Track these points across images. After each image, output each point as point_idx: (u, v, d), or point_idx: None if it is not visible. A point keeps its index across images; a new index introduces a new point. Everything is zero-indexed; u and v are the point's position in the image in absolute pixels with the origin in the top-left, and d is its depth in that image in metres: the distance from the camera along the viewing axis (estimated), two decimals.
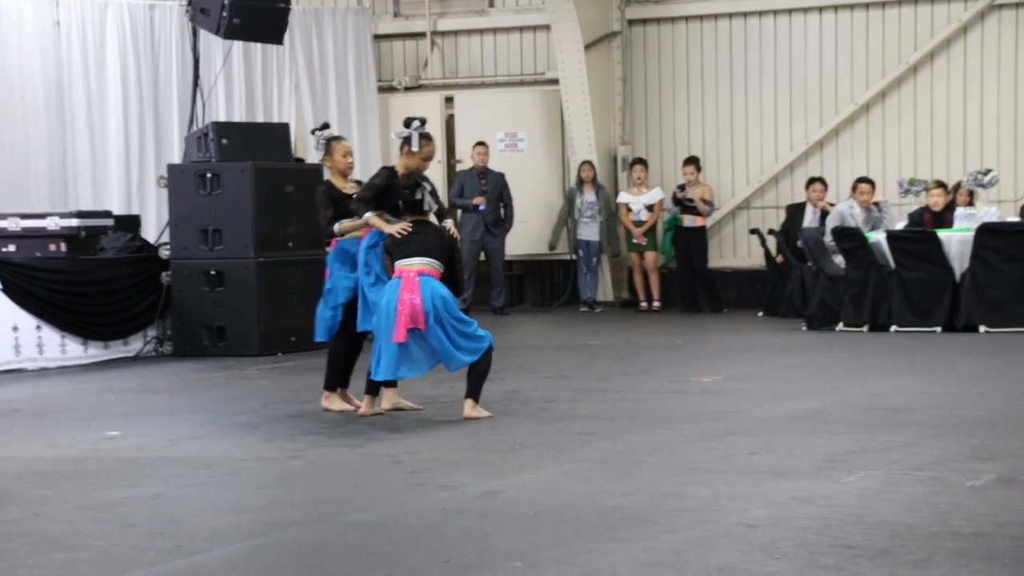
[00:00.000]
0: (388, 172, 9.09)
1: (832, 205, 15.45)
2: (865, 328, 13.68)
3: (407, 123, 9.15)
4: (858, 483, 6.54)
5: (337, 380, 9.31)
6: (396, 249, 8.71)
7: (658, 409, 9.04)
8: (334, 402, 9.28)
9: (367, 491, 6.70)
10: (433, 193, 8.85)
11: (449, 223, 8.90)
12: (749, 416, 8.63)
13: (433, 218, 8.85)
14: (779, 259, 15.95)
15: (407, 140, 9.09)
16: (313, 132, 9.86)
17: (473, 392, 8.81)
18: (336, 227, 9.15)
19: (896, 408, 8.77)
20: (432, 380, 9.60)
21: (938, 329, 13.36)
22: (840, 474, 6.75)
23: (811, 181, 16.07)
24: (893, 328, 13.53)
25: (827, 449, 7.40)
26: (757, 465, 7.04)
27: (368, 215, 8.81)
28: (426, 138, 9.13)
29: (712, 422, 8.43)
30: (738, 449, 7.50)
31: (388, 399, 9.11)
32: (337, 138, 9.65)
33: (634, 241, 17.12)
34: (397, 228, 8.69)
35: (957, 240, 13.52)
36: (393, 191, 8.89)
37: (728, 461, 7.17)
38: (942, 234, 13.63)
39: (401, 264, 8.65)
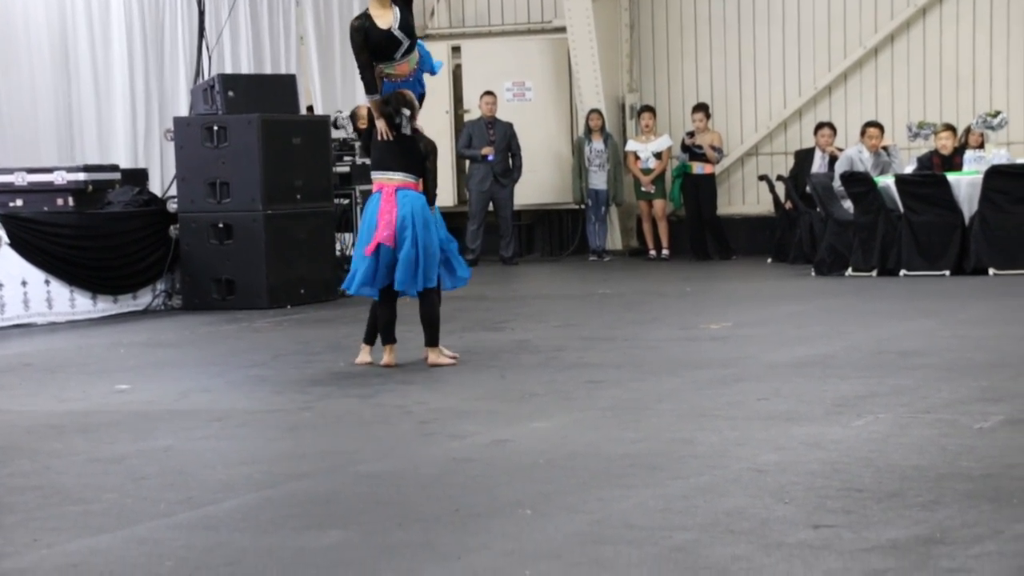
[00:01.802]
0: (359, 25, 8.89)
1: (841, 150, 15.40)
2: (874, 273, 13.66)
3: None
4: (867, 427, 6.55)
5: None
6: (376, 159, 8.87)
7: (667, 356, 9.05)
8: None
9: (377, 441, 6.72)
10: (412, 116, 8.82)
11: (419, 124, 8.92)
12: (758, 362, 8.63)
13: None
14: (788, 205, 15.91)
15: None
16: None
17: (431, 339, 8.90)
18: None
19: (905, 352, 8.77)
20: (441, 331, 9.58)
21: (947, 272, 13.34)
22: (849, 418, 6.75)
23: (819, 126, 16.01)
24: (902, 272, 13.51)
25: (836, 394, 7.40)
26: (766, 411, 7.05)
27: (371, 100, 8.83)
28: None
29: (721, 368, 8.43)
30: (747, 395, 7.50)
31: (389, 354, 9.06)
32: None
33: (642, 189, 17.08)
34: (382, 129, 8.74)
35: (966, 183, 13.47)
36: (371, 37, 8.82)
37: (737, 407, 7.18)
38: (951, 177, 13.58)
39: (379, 177, 8.83)
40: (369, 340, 9.13)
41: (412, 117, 8.83)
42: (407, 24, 8.92)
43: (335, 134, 14.24)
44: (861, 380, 7.79)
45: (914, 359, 8.48)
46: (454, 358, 9.03)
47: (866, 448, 6.09)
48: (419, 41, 9.17)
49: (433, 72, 9.27)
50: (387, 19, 8.88)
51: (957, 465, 5.71)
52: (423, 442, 6.64)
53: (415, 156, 8.81)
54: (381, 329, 8.99)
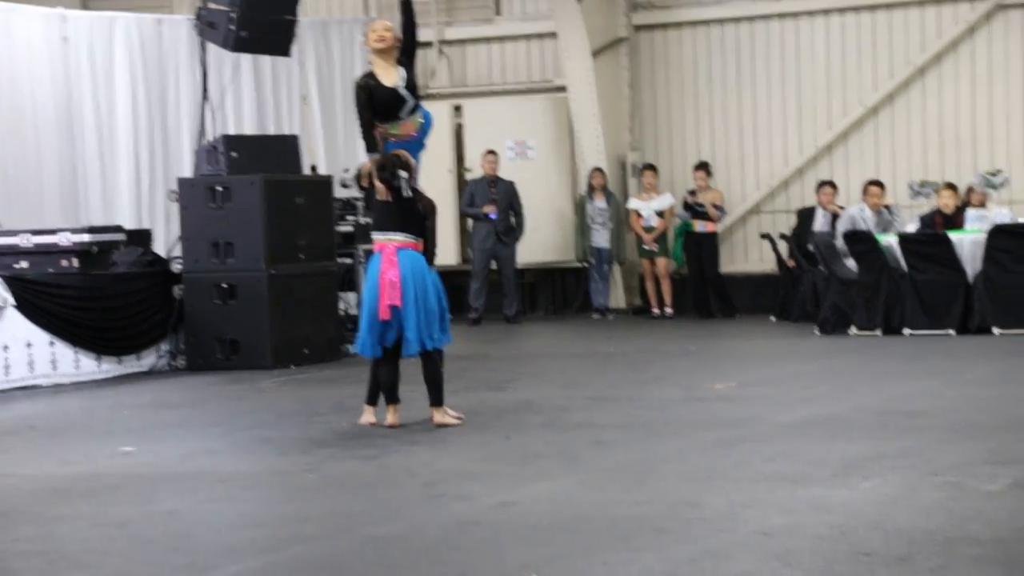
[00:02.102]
0: (364, 83, 8.95)
1: (842, 208, 15.44)
2: (878, 332, 13.65)
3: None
4: (874, 489, 6.52)
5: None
6: (377, 219, 8.93)
7: (672, 416, 9.03)
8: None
9: (382, 504, 6.69)
10: (410, 177, 8.84)
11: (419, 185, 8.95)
12: (763, 422, 8.61)
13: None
14: (791, 263, 15.93)
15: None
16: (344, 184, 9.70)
17: (435, 399, 8.91)
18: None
19: (911, 412, 8.75)
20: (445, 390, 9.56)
21: (952, 332, 13.33)
22: (856, 480, 6.73)
23: (821, 184, 16.05)
24: (906, 331, 13.51)
25: (843, 455, 7.38)
26: (773, 472, 7.02)
27: (372, 160, 8.87)
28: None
29: (726, 429, 8.41)
30: (753, 456, 7.48)
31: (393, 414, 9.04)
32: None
33: (645, 247, 17.11)
34: (380, 191, 8.77)
35: (969, 242, 13.49)
36: (376, 96, 8.86)
37: (743, 468, 7.15)
38: (954, 236, 13.61)
39: (379, 237, 8.87)
40: (372, 401, 9.12)
41: (411, 178, 8.86)
42: (412, 84, 8.97)
43: (340, 193, 14.29)
44: (867, 441, 7.77)
45: (920, 420, 8.47)
46: (459, 418, 9.02)
47: (873, 511, 6.06)
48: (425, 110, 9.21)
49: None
50: (392, 78, 8.94)
51: (966, 529, 5.69)
52: (429, 504, 6.62)
53: (414, 216, 8.84)
54: (384, 389, 8.99)
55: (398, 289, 8.72)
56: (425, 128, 9.12)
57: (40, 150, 15.15)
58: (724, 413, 9.06)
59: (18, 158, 14.96)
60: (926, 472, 6.88)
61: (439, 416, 8.91)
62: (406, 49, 9.04)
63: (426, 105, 9.35)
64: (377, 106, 8.93)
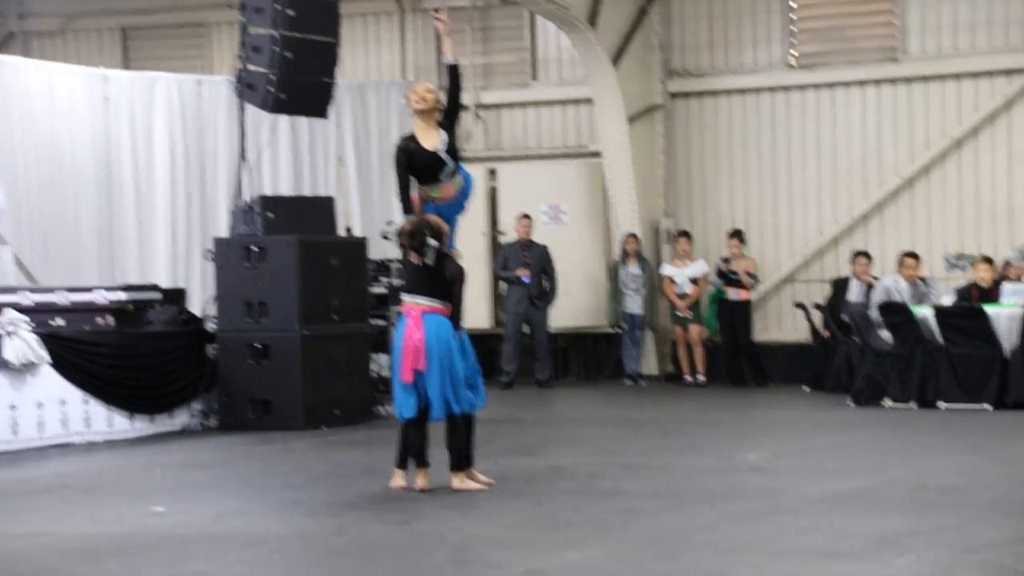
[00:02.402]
0: (404, 146, 9.00)
1: (876, 279, 15.39)
2: (913, 404, 13.56)
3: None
4: (909, 566, 6.45)
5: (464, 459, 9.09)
6: (407, 283, 8.98)
7: (704, 486, 8.97)
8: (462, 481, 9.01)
9: (411, 569, 6.66)
10: (441, 243, 8.87)
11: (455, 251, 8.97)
12: (796, 494, 8.55)
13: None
14: (825, 334, 15.87)
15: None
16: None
17: (455, 464, 8.89)
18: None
19: (947, 488, 8.67)
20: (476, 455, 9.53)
21: (988, 406, 13.23)
22: (890, 556, 6.66)
23: (856, 255, 16.02)
24: (941, 405, 13.41)
25: (876, 530, 7.31)
26: (805, 546, 6.96)
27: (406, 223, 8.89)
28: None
29: (758, 500, 8.35)
30: (785, 529, 7.42)
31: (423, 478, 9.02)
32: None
33: (678, 314, 17.09)
34: (412, 259, 8.82)
35: (1006, 316, 13.41)
36: (416, 158, 8.90)
37: (775, 541, 7.10)
38: (990, 310, 13.53)
39: (408, 301, 8.91)
40: (402, 464, 9.10)
41: (442, 244, 8.86)
42: (453, 147, 8.99)
43: (374, 254, 14.32)
44: (901, 516, 7.69)
45: (955, 496, 8.38)
46: (487, 484, 8.97)
47: None
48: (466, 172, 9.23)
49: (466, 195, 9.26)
50: (433, 141, 8.97)
51: None
52: (458, 571, 6.59)
53: (442, 281, 8.85)
54: (413, 452, 8.97)
55: (422, 354, 8.74)
56: (466, 191, 9.13)
57: (78, 208, 15.29)
58: (756, 484, 9.00)
59: (57, 215, 15.10)
60: (962, 550, 6.80)
61: (457, 481, 8.86)
62: (449, 112, 9.06)
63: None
64: (417, 169, 8.97)
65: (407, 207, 9.04)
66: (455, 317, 8.88)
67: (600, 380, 17.82)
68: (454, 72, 9.11)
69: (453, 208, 9.05)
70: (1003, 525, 7.42)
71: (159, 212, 15.71)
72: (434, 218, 8.92)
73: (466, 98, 18.44)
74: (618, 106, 17.17)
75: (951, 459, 10.03)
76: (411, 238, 8.83)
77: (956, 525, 7.43)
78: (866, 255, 15.99)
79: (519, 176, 18.08)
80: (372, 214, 17.30)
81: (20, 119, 14.86)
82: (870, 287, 15.26)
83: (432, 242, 8.80)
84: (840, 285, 16.11)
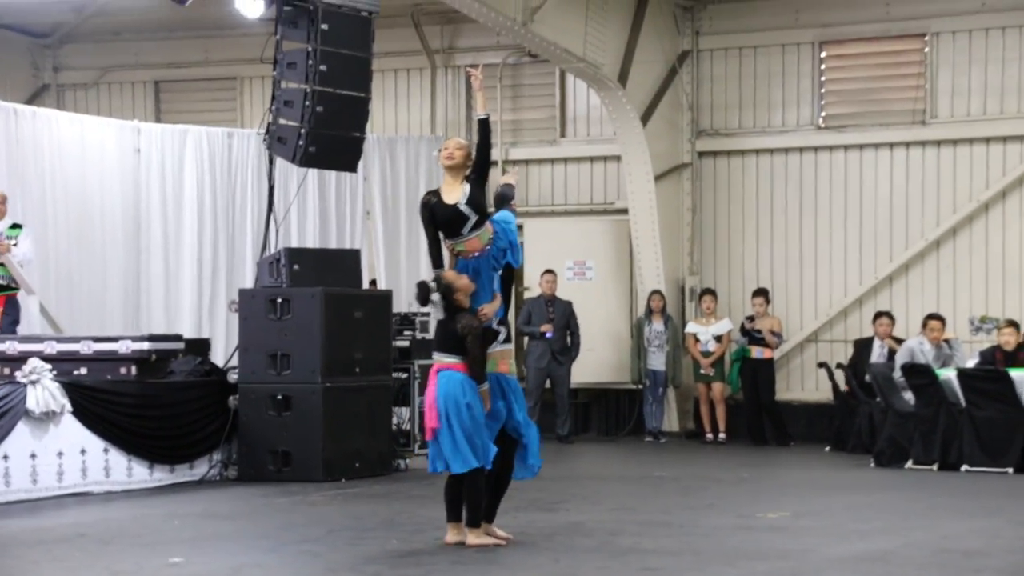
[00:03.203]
0: (426, 201, 9.05)
1: (900, 340, 15.35)
2: (935, 467, 13.48)
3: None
4: None
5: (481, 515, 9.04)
6: (434, 339, 9.08)
7: (724, 545, 8.93)
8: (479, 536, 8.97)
9: None
10: (452, 298, 8.86)
11: (487, 308, 8.91)
12: (817, 555, 8.50)
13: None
14: (846, 388, 15.84)
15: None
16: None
17: (470, 520, 8.86)
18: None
19: (969, 552, 8.61)
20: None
21: (1010, 470, 13.14)
22: None
23: (878, 315, 16.00)
24: (964, 468, 13.33)
25: None
26: None
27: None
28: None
29: (779, 560, 8.31)
30: None
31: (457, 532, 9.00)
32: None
33: (701, 371, 17.06)
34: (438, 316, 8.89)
35: None
36: (438, 213, 8.95)
37: None
38: (1014, 373, 13.47)
39: (434, 356, 8.98)
40: (488, 518, 9.05)
41: (457, 300, 8.85)
42: (475, 201, 8.99)
43: (398, 308, 14.36)
44: None
45: (978, 560, 8.32)
46: (505, 539, 8.95)
47: None
48: (509, 226, 9.15)
49: (513, 265, 9.21)
50: (455, 195, 9.01)
51: None
52: None
53: (455, 337, 8.87)
54: (446, 506, 8.97)
55: (433, 410, 8.77)
56: (499, 243, 9.03)
57: (106, 258, 15.40)
58: (776, 543, 8.95)
59: (85, 265, 15.21)
60: None
61: (472, 537, 8.84)
62: (477, 166, 9.10)
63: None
64: (440, 223, 9.02)
65: (435, 262, 9.09)
66: (473, 372, 8.84)
67: (620, 436, 17.78)
68: (484, 126, 9.17)
69: (484, 261, 9.04)
70: None
71: (186, 263, 15.81)
72: (450, 274, 8.93)
73: (495, 153, 18.54)
74: (646, 164, 17.22)
75: (973, 522, 9.96)
76: (417, 293, 8.93)
77: None
78: (888, 315, 15.96)
79: (546, 231, 18.14)
80: (398, 268, 17.37)
81: (52, 170, 15.02)
82: (892, 351, 15.22)
83: (435, 298, 8.85)
84: (863, 345, 16.08)
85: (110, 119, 16.62)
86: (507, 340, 9.17)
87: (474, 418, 8.77)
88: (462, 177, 9.06)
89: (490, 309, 8.97)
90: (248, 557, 8.62)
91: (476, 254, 8.99)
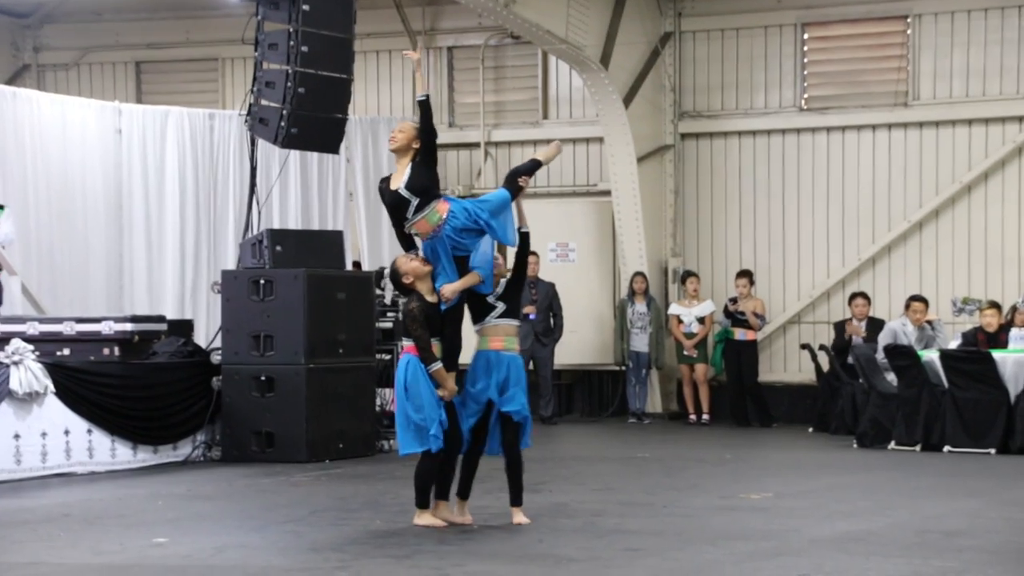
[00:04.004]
0: (380, 186, 9.11)
1: (870, 319, 15.49)
2: (917, 447, 13.53)
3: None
4: None
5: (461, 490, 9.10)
6: None
7: (707, 526, 8.96)
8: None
9: None
10: (397, 284, 8.95)
11: (445, 288, 8.84)
12: (799, 536, 8.53)
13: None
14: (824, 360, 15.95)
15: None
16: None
17: (417, 501, 8.88)
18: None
19: (951, 532, 8.64)
20: (479, 490, 9.51)
21: (992, 451, 13.20)
22: None
23: (853, 296, 16.11)
24: (946, 448, 13.38)
25: (879, 573, 7.29)
26: None
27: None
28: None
29: (761, 541, 8.33)
30: (788, 570, 7.40)
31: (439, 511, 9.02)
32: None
33: (685, 353, 17.09)
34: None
35: (1012, 361, 13.39)
36: (385, 198, 9.03)
37: None
38: (997, 355, 13.51)
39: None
40: (460, 494, 9.05)
41: (404, 283, 8.83)
42: (415, 183, 8.90)
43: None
44: (905, 560, 7.67)
45: (959, 540, 8.36)
46: (452, 523, 8.85)
47: None
48: (491, 207, 9.07)
49: (502, 242, 9.11)
50: (398, 179, 9.01)
51: None
52: None
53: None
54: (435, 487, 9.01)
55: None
56: (454, 224, 8.85)
57: (88, 239, 15.35)
58: (759, 524, 8.98)
59: (66, 246, 15.16)
60: None
61: (416, 517, 8.89)
62: (422, 149, 9.06)
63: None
64: (388, 207, 9.08)
65: (402, 245, 9.12)
66: (420, 353, 8.73)
67: (603, 418, 17.81)
68: (424, 107, 9.16)
69: (440, 243, 8.95)
70: (1005, 570, 7.39)
71: (168, 244, 15.77)
72: (401, 258, 8.95)
73: (477, 135, 18.59)
74: (628, 146, 17.22)
75: (955, 503, 10.00)
76: (373, 278, 9.05)
77: (959, 569, 7.41)
78: (864, 296, 16.02)
79: (528, 213, 17.97)
80: (381, 249, 17.34)
81: (32, 150, 14.97)
82: (851, 338, 15.41)
83: (384, 283, 8.95)
84: (841, 327, 16.12)
85: (91, 100, 16.55)
86: (507, 315, 9.08)
87: (415, 400, 8.71)
88: (408, 160, 9.03)
89: (449, 289, 8.85)
90: (232, 537, 8.62)
91: (430, 235, 8.93)
